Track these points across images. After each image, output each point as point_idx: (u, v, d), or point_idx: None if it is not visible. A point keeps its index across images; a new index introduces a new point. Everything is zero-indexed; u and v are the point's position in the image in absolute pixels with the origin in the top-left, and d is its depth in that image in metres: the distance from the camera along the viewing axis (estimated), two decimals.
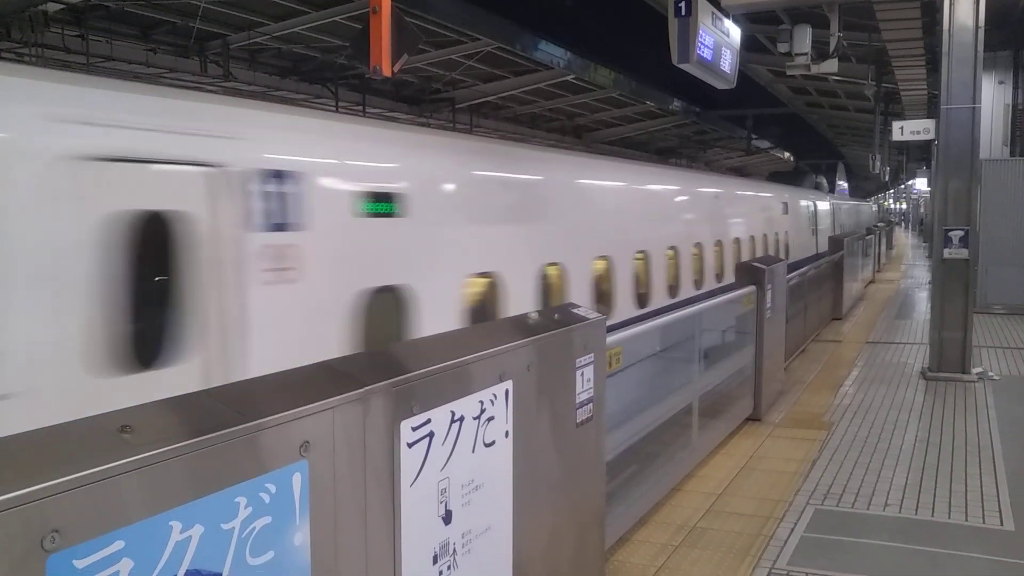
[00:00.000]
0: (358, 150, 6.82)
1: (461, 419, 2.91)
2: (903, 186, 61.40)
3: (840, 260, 15.05)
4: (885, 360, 10.86)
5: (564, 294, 9.24)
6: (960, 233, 9.60)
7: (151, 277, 4.92)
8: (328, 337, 5.91)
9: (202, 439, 1.92)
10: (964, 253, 9.61)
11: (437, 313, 7.08)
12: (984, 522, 5.25)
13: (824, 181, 39.44)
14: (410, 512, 2.65)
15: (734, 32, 7.96)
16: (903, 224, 71.13)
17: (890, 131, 18.91)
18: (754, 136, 32.85)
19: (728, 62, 7.83)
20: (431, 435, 2.75)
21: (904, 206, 78.48)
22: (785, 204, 21.97)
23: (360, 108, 17.55)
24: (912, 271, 26.73)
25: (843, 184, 43.81)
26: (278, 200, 5.58)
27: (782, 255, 19.18)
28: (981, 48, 9.40)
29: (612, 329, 4.52)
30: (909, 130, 17.20)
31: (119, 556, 1.71)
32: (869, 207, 56.82)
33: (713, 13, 7.26)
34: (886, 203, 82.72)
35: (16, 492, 1.55)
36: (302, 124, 6.46)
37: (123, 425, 1.85)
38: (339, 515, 2.34)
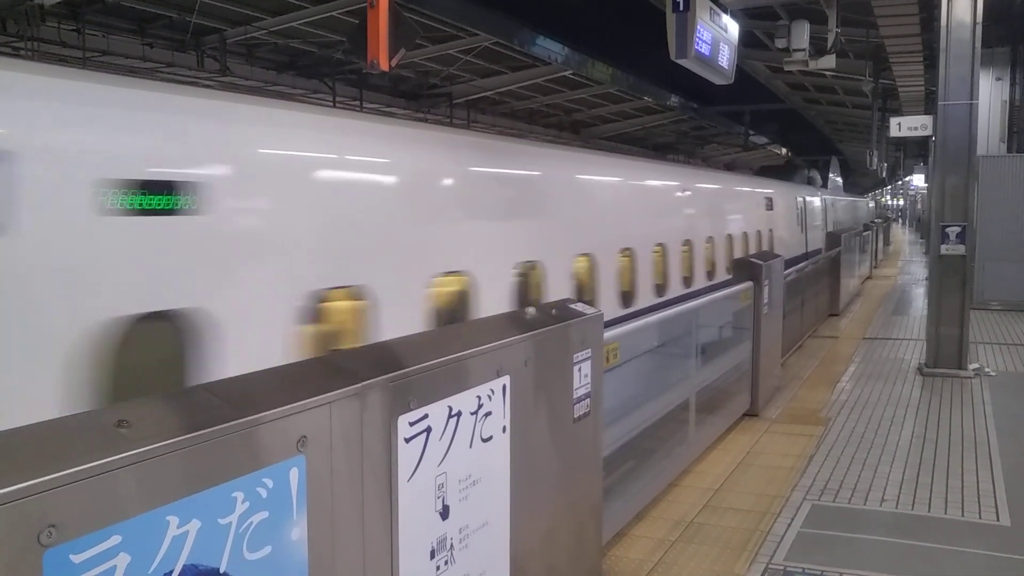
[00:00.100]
0: (118, 120, 4.82)
1: (458, 414, 2.91)
2: (900, 182, 61.46)
3: (837, 256, 15.06)
4: (882, 356, 10.87)
5: (470, 313, 7.51)
6: (957, 229, 9.61)
7: None
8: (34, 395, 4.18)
9: (199, 434, 1.92)
10: (961, 249, 9.62)
11: (250, 347, 5.15)
12: (980, 517, 5.26)
13: (817, 176, 36.66)
14: (407, 507, 2.65)
15: (732, 28, 7.94)
16: (900, 220, 71.17)
17: (887, 127, 18.89)
18: (752, 132, 32.82)
19: (726, 58, 7.82)
20: (428, 430, 2.75)
21: (901, 202, 78.54)
22: (769, 200, 20.29)
23: (357, 103, 17.52)
24: (909, 267, 26.76)
25: (837, 179, 41.26)
26: None
27: None
28: (979, 44, 9.40)
29: None
30: (907, 126, 17.18)
31: (116, 551, 1.71)
32: (866, 203, 54.94)
33: (711, 8, 7.24)
34: (883, 199, 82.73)
35: (13, 487, 1.54)
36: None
37: (120, 420, 1.85)
38: (336, 510, 2.34)
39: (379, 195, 6.65)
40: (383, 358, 2.74)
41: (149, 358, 4.86)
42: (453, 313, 7.30)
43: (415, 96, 19.05)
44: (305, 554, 2.21)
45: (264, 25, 13.52)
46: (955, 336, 9.60)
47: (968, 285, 9.84)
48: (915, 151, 37.36)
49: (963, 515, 5.31)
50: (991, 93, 16.62)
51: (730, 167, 34.93)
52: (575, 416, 3.83)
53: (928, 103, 19.58)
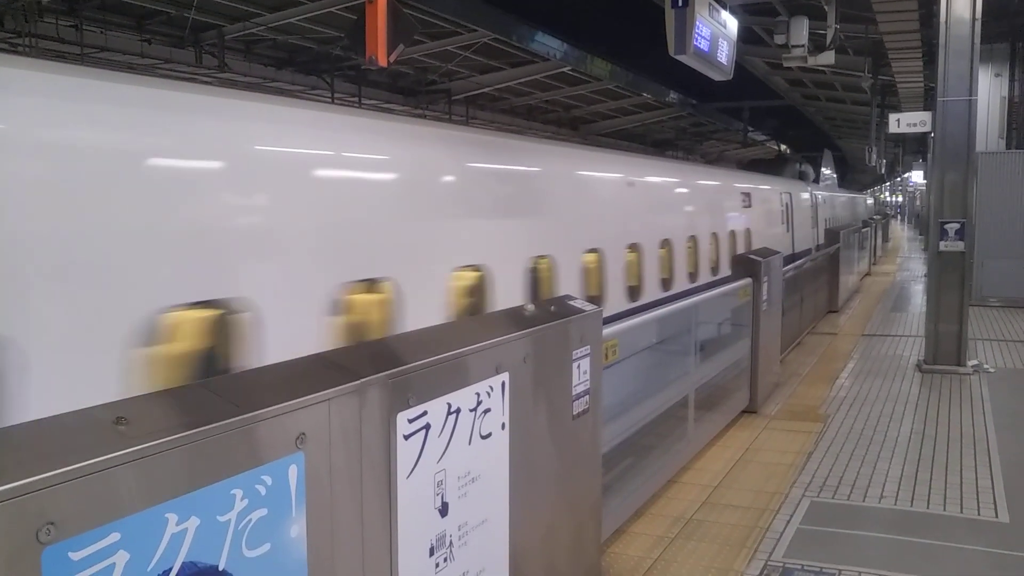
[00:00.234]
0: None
1: (457, 411, 2.91)
2: (899, 179, 61.48)
3: (836, 252, 15.06)
4: (881, 352, 10.88)
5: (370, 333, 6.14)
6: (956, 226, 9.61)
7: None
8: None
9: (198, 431, 1.91)
10: (960, 246, 9.62)
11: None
12: (979, 514, 5.26)
13: (811, 170, 33.50)
14: (406, 504, 2.65)
15: (731, 23, 7.93)
16: (899, 217, 71.19)
17: (886, 123, 18.90)
18: (751, 128, 32.82)
19: (725, 54, 7.81)
20: (427, 427, 2.74)
21: (900, 199, 78.57)
22: (746, 196, 17.52)
23: (356, 100, 17.50)
24: (908, 264, 26.77)
25: (830, 173, 37.32)
26: None
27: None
28: (978, 40, 9.39)
29: None
30: (905, 122, 17.19)
31: (115, 548, 1.71)
32: (863, 199, 52.83)
33: (710, 4, 7.23)
34: (882, 195, 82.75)
35: (11, 484, 1.54)
36: None
37: (118, 417, 1.85)
38: (335, 507, 2.33)
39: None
40: (382, 355, 2.74)
41: None
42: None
43: (414, 92, 19.04)
44: (304, 551, 2.21)
45: (262, 21, 13.50)
46: (954, 332, 9.61)
47: (967, 281, 9.85)
48: (914, 147, 37.39)
49: (962, 511, 5.31)
50: (990, 89, 16.61)
51: (712, 161, 33.59)
52: (574, 413, 3.83)
53: (927, 99, 19.59)
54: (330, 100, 16.19)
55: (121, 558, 1.72)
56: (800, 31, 11.92)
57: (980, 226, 13.81)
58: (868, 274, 22.49)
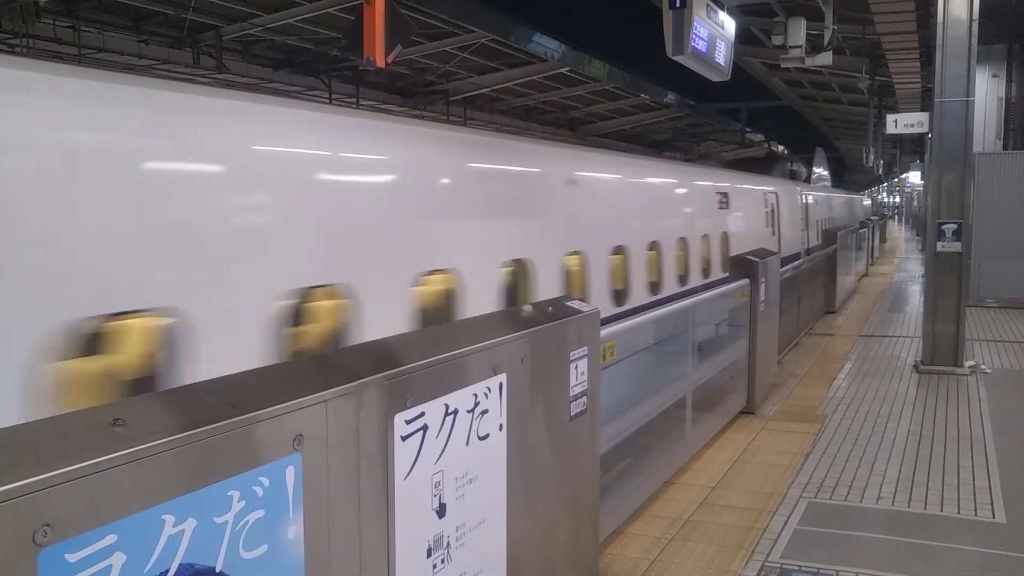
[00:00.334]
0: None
1: (455, 412, 2.91)
2: (897, 179, 61.56)
3: (833, 253, 15.08)
4: (878, 353, 10.89)
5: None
6: (953, 226, 9.62)
7: None
8: None
9: (195, 432, 1.91)
10: (957, 246, 9.63)
11: None
12: (976, 514, 5.27)
13: (803, 169, 31.12)
14: (404, 505, 2.64)
15: (729, 24, 7.94)
16: (896, 217, 71.26)
17: (884, 124, 18.92)
18: (748, 129, 32.86)
19: (723, 54, 7.82)
20: (425, 428, 2.74)
21: (898, 199, 78.66)
22: (723, 196, 15.38)
23: (354, 101, 17.50)
24: (905, 264, 26.80)
25: (823, 172, 34.31)
26: None
27: (713, 268, 13.65)
28: (975, 41, 9.41)
29: None
30: (903, 123, 17.21)
31: (112, 550, 1.71)
32: (859, 200, 50.49)
33: (708, 5, 7.23)
34: (880, 196, 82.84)
35: (7, 486, 1.54)
36: None
37: (115, 418, 1.84)
38: (332, 509, 2.33)
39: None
40: (379, 356, 2.74)
41: None
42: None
43: (411, 93, 19.05)
44: (301, 552, 2.20)
45: (260, 22, 13.50)
46: (951, 333, 9.62)
47: (964, 282, 9.86)
48: (911, 148, 37.43)
49: (959, 512, 5.32)
50: (987, 90, 16.65)
51: (695, 159, 31.92)
52: (572, 414, 3.83)
53: (924, 100, 19.64)
54: (328, 101, 16.20)
55: (118, 560, 1.72)
56: (797, 32, 11.94)
57: (977, 227, 13.84)
58: (865, 275, 22.51)
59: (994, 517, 5.22)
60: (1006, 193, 15.06)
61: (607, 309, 9.46)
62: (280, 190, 5.30)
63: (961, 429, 7.17)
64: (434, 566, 2.82)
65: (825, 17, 12.19)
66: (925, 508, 5.39)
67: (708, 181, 15.24)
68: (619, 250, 10.28)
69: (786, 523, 5.12)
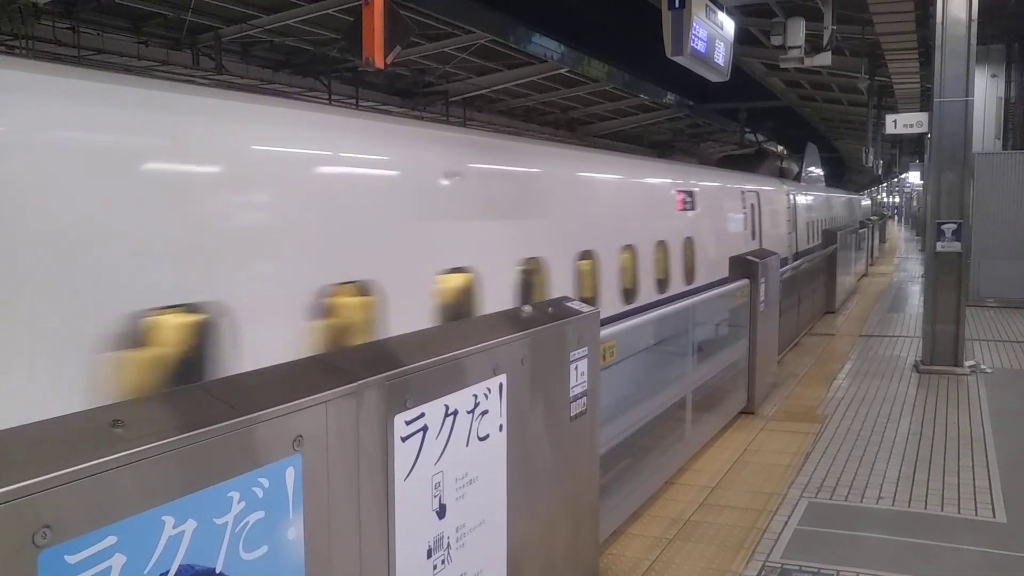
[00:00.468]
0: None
1: (455, 413, 2.90)
2: (896, 179, 61.56)
3: (833, 253, 15.08)
4: (878, 353, 10.88)
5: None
6: (953, 226, 9.62)
7: None
8: None
9: (194, 433, 1.91)
10: (957, 246, 9.63)
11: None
12: (976, 514, 5.27)
13: (795, 167, 28.46)
14: (404, 506, 2.64)
15: (728, 25, 7.94)
16: (896, 217, 71.28)
17: (883, 124, 18.91)
18: (748, 130, 32.86)
19: (722, 55, 7.82)
20: (425, 429, 2.74)
21: (897, 199, 78.67)
22: (690, 196, 12.93)
23: (353, 101, 17.51)
24: (905, 264, 26.80)
25: (816, 171, 30.99)
26: None
27: (672, 280, 11.42)
28: (974, 41, 9.41)
29: None
30: (902, 123, 17.18)
31: (111, 551, 1.71)
32: (857, 199, 47.70)
33: (707, 6, 7.23)
34: (879, 196, 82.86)
35: (7, 487, 1.54)
36: None
37: (115, 420, 1.84)
38: (332, 509, 2.33)
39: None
40: (379, 357, 2.74)
41: None
42: None
43: (411, 94, 19.05)
44: (301, 554, 2.20)
45: (259, 23, 13.50)
46: (951, 333, 9.62)
47: (964, 282, 9.86)
48: (911, 148, 37.40)
49: (959, 512, 5.31)
50: (986, 90, 16.65)
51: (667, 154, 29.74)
52: (572, 414, 3.83)
53: (924, 100, 19.62)
54: (327, 102, 16.20)
55: (118, 561, 1.72)
56: (797, 32, 11.93)
57: (977, 227, 13.84)
58: (865, 275, 22.51)
59: (994, 517, 5.22)
60: (1005, 193, 15.06)
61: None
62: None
63: (961, 429, 7.17)
64: (434, 567, 2.82)
65: (824, 17, 12.19)
66: (925, 508, 5.38)
67: (666, 178, 12.74)
68: (530, 264, 7.74)
69: (786, 523, 5.12)
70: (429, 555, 2.79)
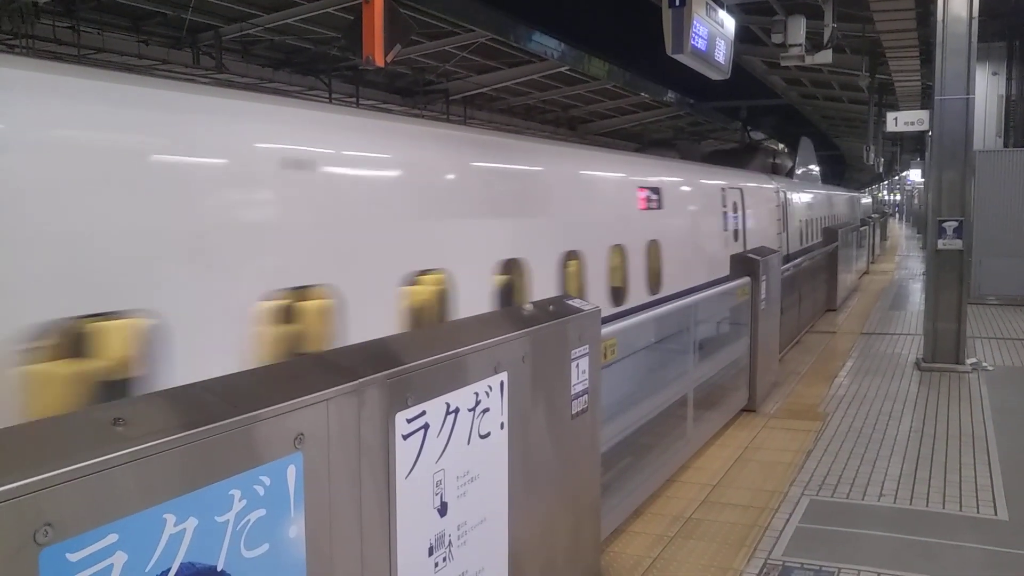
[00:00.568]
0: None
1: (456, 411, 2.90)
2: (897, 177, 61.54)
3: (834, 251, 15.07)
4: (879, 351, 10.88)
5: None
6: (954, 224, 9.61)
7: None
8: None
9: (196, 431, 1.91)
10: (958, 244, 9.63)
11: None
12: (978, 512, 5.26)
13: (788, 163, 26.43)
14: (405, 504, 2.64)
15: (728, 23, 7.94)
16: (897, 215, 71.26)
17: (884, 122, 18.92)
18: (749, 128, 32.85)
19: (722, 53, 7.81)
20: (426, 427, 2.74)
21: (898, 197, 78.63)
22: (656, 193, 11.39)
23: (354, 100, 17.50)
24: (906, 262, 26.78)
25: (810, 165, 28.66)
26: None
27: (632, 289, 10.30)
28: (975, 39, 9.40)
29: None
30: (903, 121, 17.22)
31: (113, 549, 1.70)
32: (857, 197, 45.69)
33: (707, 3, 7.23)
34: (880, 194, 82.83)
35: (8, 485, 1.54)
36: None
37: (116, 418, 1.84)
38: (334, 507, 2.33)
39: None
40: (380, 355, 2.74)
41: None
42: None
43: (411, 93, 19.05)
44: (303, 551, 2.20)
45: (260, 22, 13.50)
46: (952, 331, 9.61)
47: (965, 280, 9.85)
48: (912, 146, 37.43)
49: (961, 510, 5.31)
50: (987, 88, 16.62)
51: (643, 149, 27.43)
52: (573, 412, 3.83)
53: (924, 98, 19.63)
54: (328, 100, 16.20)
55: (119, 559, 1.72)
56: (797, 30, 11.92)
57: (978, 224, 13.84)
58: (867, 272, 22.50)
59: (996, 514, 5.22)
60: (1006, 190, 15.05)
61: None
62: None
63: (963, 426, 7.17)
64: (436, 565, 2.82)
65: (825, 15, 12.18)
66: (927, 505, 5.38)
67: (625, 172, 11.09)
68: (426, 281, 6.42)
69: (788, 521, 5.12)
70: (430, 553, 2.79)
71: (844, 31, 14.99)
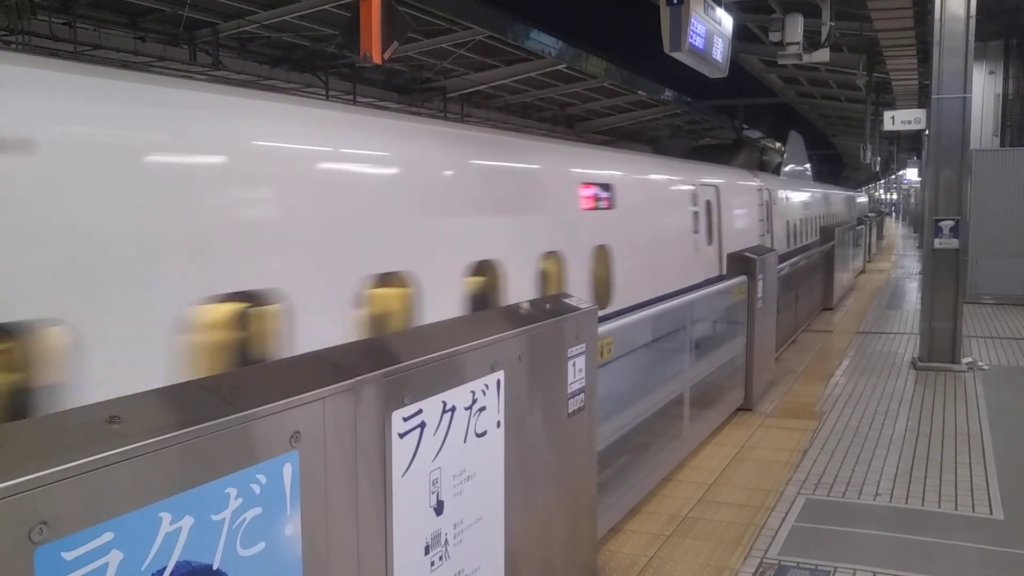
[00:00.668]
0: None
1: (453, 409, 2.90)
2: (894, 176, 61.64)
3: (831, 250, 15.08)
4: (876, 350, 10.89)
5: None
6: (951, 223, 9.63)
7: None
8: None
9: (192, 430, 1.90)
10: (955, 243, 9.64)
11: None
12: (974, 511, 5.27)
13: (778, 159, 24.44)
14: (402, 503, 2.64)
15: (726, 21, 7.94)
16: (894, 214, 71.37)
17: (881, 121, 18.93)
18: (746, 126, 32.88)
19: (720, 51, 7.82)
20: (422, 425, 2.74)
21: (895, 196, 78.76)
22: (606, 190, 9.64)
23: (351, 97, 17.48)
24: (902, 261, 26.82)
25: (800, 161, 26.41)
26: None
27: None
28: (972, 38, 9.41)
29: None
30: (900, 120, 17.21)
31: (108, 548, 1.70)
32: (851, 196, 43.37)
33: (705, 2, 7.23)
34: (877, 193, 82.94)
35: (3, 484, 1.53)
36: None
37: (112, 416, 1.83)
38: (330, 506, 2.33)
39: None
40: (376, 353, 2.73)
41: None
42: None
43: (408, 90, 19.02)
44: (299, 550, 2.20)
45: (257, 19, 13.47)
46: (948, 330, 9.63)
47: (961, 279, 9.87)
48: (908, 145, 37.48)
49: (956, 509, 5.32)
50: (984, 87, 16.66)
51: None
52: (569, 411, 3.83)
53: (921, 97, 19.65)
54: (324, 97, 16.17)
55: (114, 558, 1.71)
56: (795, 28, 11.93)
57: (974, 223, 13.84)
58: (863, 271, 22.52)
59: (991, 513, 5.23)
60: (1003, 190, 15.07)
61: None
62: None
63: (959, 425, 7.18)
64: (432, 563, 2.82)
65: (822, 14, 12.19)
66: (923, 504, 5.39)
67: (564, 165, 9.19)
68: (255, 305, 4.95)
69: (784, 520, 5.12)
70: (427, 551, 2.79)
71: (842, 29, 15.00)
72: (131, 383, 2.58)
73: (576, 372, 3.86)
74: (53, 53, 11.66)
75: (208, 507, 1.93)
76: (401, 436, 2.64)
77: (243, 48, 15.22)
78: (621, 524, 5.04)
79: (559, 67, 18.39)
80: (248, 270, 4.77)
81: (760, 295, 8.00)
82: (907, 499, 5.49)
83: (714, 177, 14.58)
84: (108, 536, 1.70)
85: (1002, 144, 16.89)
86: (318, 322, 5.13)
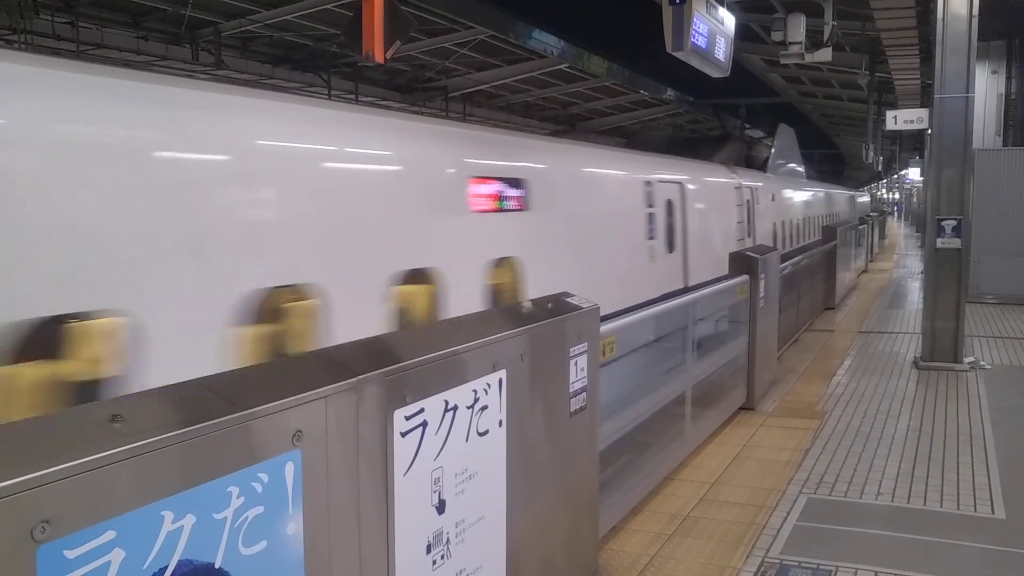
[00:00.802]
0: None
1: (455, 408, 2.90)
2: (896, 176, 61.56)
3: (833, 250, 15.07)
4: (878, 349, 10.89)
5: None
6: (953, 223, 9.62)
7: None
8: None
9: (194, 428, 1.90)
10: (957, 243, 9.63)
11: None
12: (976, 510, 5.27)
13: (767, 154, 21.73)
14: (403, 502, 2.64)
15: (728, 20, 7.94)
16: (896, 214, 71.29)
17: (883, 121, 18.91)
18: (748, 126, 32.84)
19: (722, 50, 7.82)
20: (424, 424, 2.74)
21: (897, 196, 78.67)
22: (517, 186, 7.46)
23: (353, 97, 17.49)
24: (905, 261, 26.80)
25: (790, 157, 23.90)
26: None
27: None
28: (975, 37, 9.40)
29: None
30: (903, 120, 17.21)
31: (110, 546, 1.70)
32: (849, 195, 40.67)
33: (707, 1, 7.23)
34: (879, 192, 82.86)
35: (6, 482, 1.53)
36: None
37: (114, 414, 1.84)
38: (332, 505, 2.33)
39: None
40: (379, 352, 2.73)
41: None
42: None
43: (410, 89, 19.04)
44: (301, 549, 2.20)
45: (259, 18, 13.48)
46: (951, 330, 9.62)
47: (964, 278, 9.86)
48: (911, 144, 37.42)
49: (958, 508, 5.32)
50: (987, 86, 16.63)
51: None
52: (571, 410, 3.83)
53: (924, 96, 19.61)
54: (327, 97, 16.18)
55: (116, 556, 1.72)
56: (797, 28, 11.92)
57: (977, 223, 13.83)
58: (865, 271, 22.50)
59: (994, 513, 5.22)
60: (1005, 189, 15.06)
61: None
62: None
63: (961, 425, 7.17)
64: (434, 562, 2.82)
65: (825, 13, 12.18)
66: (925, 504, 5.39)
67: (445, 153, 6.87)
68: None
69: (785, 519, 5.12)
70: (428, 550, 2.79)
71: (844, 29, 14.98)
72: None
73: (578, 371, 3.86)
74: (56, 52, 11.68)
75: (210, 506, 1.93)
76: (403, 435, 2.64)
77: (245, 47, 15.24)
78: (623, 523, 5.04)
79: (561, 66, 18.40)
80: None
81: (762, 294, 8.00)
82: (909, 499, 5.48)
83: (678, 173, 12.25)
84: (110, 535, 1.70)
85: (1004, 144, 16.86)
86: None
